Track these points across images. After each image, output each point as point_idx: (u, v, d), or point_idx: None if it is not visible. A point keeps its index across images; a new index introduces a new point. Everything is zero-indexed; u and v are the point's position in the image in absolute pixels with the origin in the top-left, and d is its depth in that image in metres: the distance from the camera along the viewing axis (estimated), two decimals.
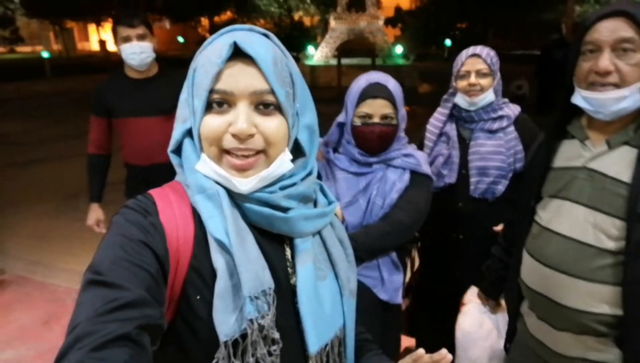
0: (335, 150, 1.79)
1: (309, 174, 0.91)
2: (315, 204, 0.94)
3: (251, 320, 0.75)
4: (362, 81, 1.67)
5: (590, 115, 1.31)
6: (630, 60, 1.18)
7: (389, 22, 33.89)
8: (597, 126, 1.32)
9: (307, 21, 36.03)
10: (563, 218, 1.35)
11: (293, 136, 0.87)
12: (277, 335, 0.78)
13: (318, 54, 25.87)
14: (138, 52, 2.45)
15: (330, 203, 0.97)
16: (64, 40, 33.40)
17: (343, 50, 23.94)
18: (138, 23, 2.45)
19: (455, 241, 2.12)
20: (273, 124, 0.81)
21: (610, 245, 1.24)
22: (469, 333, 1.84)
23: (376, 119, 1.64)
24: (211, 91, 0.79)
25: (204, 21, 35.53)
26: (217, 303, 0.75)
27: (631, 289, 1.21)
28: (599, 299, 1.26)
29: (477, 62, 2.02)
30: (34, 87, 16.79)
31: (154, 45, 2.52)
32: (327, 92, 11.50)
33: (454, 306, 1.98)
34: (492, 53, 2.06)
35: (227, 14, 34.46)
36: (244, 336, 0.75)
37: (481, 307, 1.88)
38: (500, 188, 2.04)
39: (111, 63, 26.09)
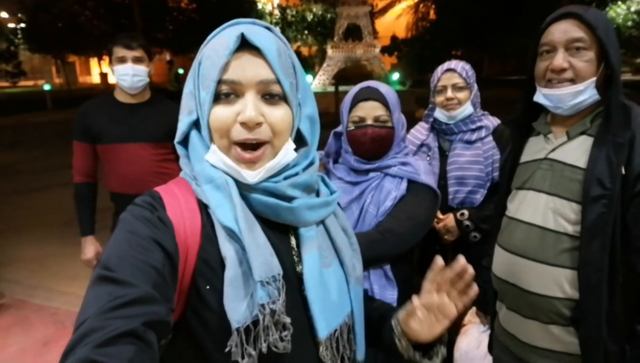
0: (336, 161, 1.78)
1: (311, 164, 0.93)
2: (317, 195, 0.96)
3: (263, 306, 0.76)
4: (355, 88, 1.68)
5: (551, 111, 1.40)
6: (583, 57, 1.29)
7: (385, 50, 34.54)
8: (558, 121, 1.42)
9: (304, 51, 36.66)
10: (527, 206, 1.42)
11: (296, 125, 0.89)
12: (288, 320, 0.78)
13: (316, 82, 26.25)
14: (131, 75, 2.33)
15: (332, 193, 0.98)
16: (66, 74, 33.87)
17: (340, 77, 24.31)
18: (136, 46, 2.35)
19: (433, 252, 2.08)
20: (279, 114, 0.84)
21: (569, 228, 1.31)
22: (466, 353, 1.82)
23: (369, 122, 1.61)
24: (219, 82, 0.81)
25: None
26: (228, 291, 0.76)
27: (584, 271, 1.27)
28: (561, 283, 1.31)
29: (452, 76, 2.07)
30: (35, 119, 16.98)
31: (149, 70, 2.41)
32: (325, 117, 11.46)
33: None
34: (467, 67, 2.11)
35: None
36: (255, 323, 0.76)
37: (480, 327, 1.86)
38: (479, 197, 2.06)
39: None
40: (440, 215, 2.06)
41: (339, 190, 1.66)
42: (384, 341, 1.00)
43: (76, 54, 32.99)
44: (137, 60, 2.36)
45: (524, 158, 1.49)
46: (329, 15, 36.50)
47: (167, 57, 40.35)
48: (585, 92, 1.30)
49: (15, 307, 3.73)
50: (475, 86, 2.12)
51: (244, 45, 0.82)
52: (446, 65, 2.11)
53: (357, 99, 1.63)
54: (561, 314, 1.32)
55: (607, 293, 1.24)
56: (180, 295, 0.78)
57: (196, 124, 0.87)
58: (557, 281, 1.32)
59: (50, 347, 3.17)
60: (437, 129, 2.18)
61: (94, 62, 37.75)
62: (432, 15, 34.22)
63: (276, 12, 37.89)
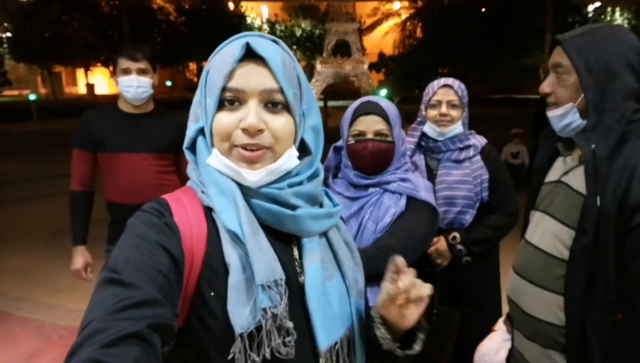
0: (335, 176, 1.77)
1: (315, 175, 0.94)
2: (321, 207, 0.96)
3: (265, 310, 0.76)
4: (356, 102, 1.69)
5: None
6: (562, 82, 1.31)
7: (372, 67, 34.87)
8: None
9: None
10: (536, 229, 1.42)
11: (300, 135, 0.90)
12: (290, 325, 0.78)
13: None
14: (135, 86, 2.32)
15: (335, 205, 0.98)
16: (52, 84, 33.57)
17: (329, 93, 24.49)
18: (141, 57, 2.35)
19: (423, 274, 2.03)
20: (281, 122, 0.85)
21: (566, 255, 1.29)
22: (483, 356, 1.79)
23: (370, 136, 1.60)
24: (223, 89, 0.83)
25: (192, 66, 36.16)
26: (232, 296, 0.77)
27: (567, 298, 1.26)
28: (556, 310, 1.30)
29: (448, 92, 2.05)
30: (20, 129, 16.76)
31: (153, 82, 2.41)
32: None
33: (436, 341, 1.86)
34: (463, 86, 2.10)
35: None
36: (259, 329, 0.76)
37: (506, 335, 1.83)
38: (468, 218, 2.03)
39: (98, 106, 26.27)
40: None
41: None
42: (369, 338, 0.97)
43: (62, 65, 32.74)
44: (141, 72, 2.35)
45: (548, 178, 1.47)
46: (317, 31, 36.85)
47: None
48: (566, 117, 1.31)
49: (0, 320, 3.65)
50: (467, 108, 2.12)
51: (250, 55, 0.84)
52: (443, 81, 2.09)
53: (358, 113, 1.63)
54: (557, 341, 1.31)
55: (593, 326, 1.22)
56: (185, 301, 0.78)
57: (203, 131, 0.89)
58: (553, 308, 1.30)
59: (36, 361, 3.10)
60: (425, 146, 2.14)
61: (80, 72, 37.47)
62: (418, 33, 34.82)
63: (265, 26, 38.12)
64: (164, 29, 32.52)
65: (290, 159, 0.87)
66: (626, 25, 29.28)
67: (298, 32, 37.43)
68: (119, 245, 0.75)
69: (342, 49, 32.37)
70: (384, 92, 23.69)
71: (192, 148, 0.91)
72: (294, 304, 0.83)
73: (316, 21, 37.65)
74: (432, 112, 2.07)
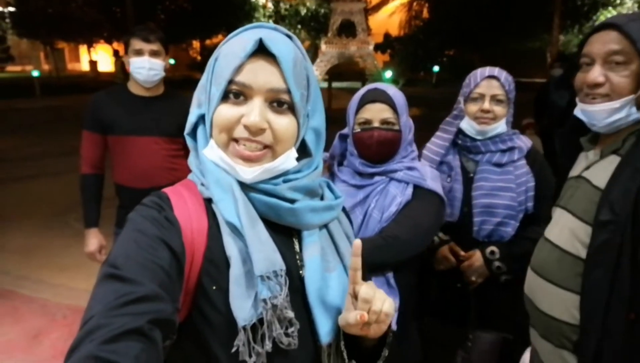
0: (341, 163, 1.74)
1: (314, 170, 0.93)
2: (322, 199, 0.95)
3: (264, 301, 0.76)
4: (363, 89, 1.66)
5: (589, 127, 1.33)
6: (621, 72, 1.20)
7: (378, 47, 34.54)
8: (601, 138, 1.35)
9: None
10: (555, 225, 1.38)
11: (301, 136, 0.89)
12: (292, 315, 0.78)
13: None
14: (147, 68, 2.31)
15: (336, 198, 0.98)
16: (55, 61, 33.32)
17: (333, 74, 24.31)
18: (154, 39, 2.32)
19: (454, 290, 1.84)
20: (284, 123, 0.84)
21: (583, 252, 1.24)
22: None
23: (376, 124, 1.57)
24: (230, 82, 0.82)
25: (195, 44, 35.84)
26: (233, 289, 0.77)
27: (584, 298, 1.22)
28: (570, 308, 1.27)
29: (493, 85, 1.78)
30: (23, 105, 16.71)
31: (165, 64, 2.39)
32: None
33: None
34: (510, 78, 1.81)
35: (219, 37, 34.82)
36: (261, 321, 0.76)
37: None
38: (509, 230, 1.77)
39: (100, 83, 26.11)
40: (462, 251, 1.80)
41: (343, 193, 1.64)
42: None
43: (66, 41, 32.48)
44: (154, 53, 2.33)
45: (571, 173, 1.41)
46: (322, 10, 36.38)
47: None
48: (621, 110, 1.21)
49: (4, 298, 3.68)
50: (512, 105, 1.84)
51: (262, 50, 0.82)
52: (488, 71, 1.81)
53: (364, 101, 1.60)
54: (570, 339, 1.27)
55: (610, 325, 1.17)
56: (187, 296, 0.79)
57: (204, 118, 0.88)
58: (567, 306, 1.27)
59: (41, 339, 3.13)
60: (461, 145, 1.88)
61: (83, 49, 37.21)
62: (425, 14, 34.34)
63: (270, 5, 37.66)
64: (167, 6, 32.11)
65: (288, 159, 0.87)
66: (637, 9, 28.82)
67: (303, 11, 36.97)
68: (120, 240, 0.75)
69: (347, 29, 32.06)
70: (389, 73, 23.55)
71: (193, 134, 0.91)
72: (295, 297, 0.83)
73: (321, 0, 37.15)
74: (473, 107, 1.81)
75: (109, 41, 31.59)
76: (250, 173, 0.83)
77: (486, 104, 1.77)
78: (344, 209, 1.04)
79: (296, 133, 0.88)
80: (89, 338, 0.60)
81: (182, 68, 34.76)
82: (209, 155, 0.85)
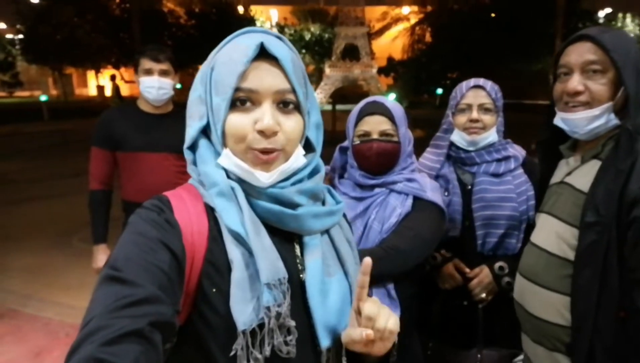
0: (341, 176, 1.75)
1: (316, 171, 0.94)
2: (323, 204, 0.96)
3: (268, 308, 0.76)
4: (362, 102, 1.68)
5: (570, 135, 1.37)
6: (598, 80, 1.25)
7: (381, 71, 34.87)
8: (580, 144, 1.39)
9: None
10: (540, 230, 1.41)
11: (306, 133, 0.91)
12: (292, 324, 0.79)
13: None
14: (156, 87, 2.35)
15: (337, 203, 0.98)
16: (63, 86, 33.87)
17: (337, 96, 24.49)
18: (164, 58, 2.37)
19: (460, 308, 1.78)
20: (292, 123, 0.86)
21: (570, 254, 1.27)
22: None
23: (375, 136, 1.58)
24: (236, 90, 0.82)
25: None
26: (235, 293, 0.76)
27: (574, 299, 1.24)
28: (562, 310, 1.28)
29: (480, 94, 1.78)
30: (31, 129, 16.92)
31: (174, 83, 2.43)
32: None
33: None
34: (497, 87, 1.81)
35: None
36: (261, 326, 0.76)
37: None
38: (514, 241, 1.73)
39: (107, 107, 26.42)
40: (467, 269, 1.75)
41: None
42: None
43: (74, 66, 33.02)
44: (163, 73, 2.38)
45: (552, 180, 1.46)
46: (326, 35, 36.89)
47: None
48: (601, 117, 1.26)
49: (8, 317, 3.69)
50: (502, 113, 1.83)
51: (261, 54, 0.83)
52: (473, 81, 1.80)
53: (363, 114, 1.62)
54: (563, 341, 1.29)
55: (600, 324, 1.19)
56: (187, 298, 0.78)
57: (205, 130, 0.88)
58: (558, 308, 1.29)
59: (43, 358, 3.12)
60: (455, 157, 1.85)
61: (91, 74, 37.76)
62: (427, 38, 34.76)
63: (274, 30, 38.20)
64: (174, 32, 32.66)
65: (298, 158, 0.88)
66: (638, 32, 29.07)
67: (307, 36, 37.50)
68: (120, 242, 0.75)
69: (351, 53, 32.43)
70: (392, 96, 23.72)
71: (192, 147, 0.90)
72: (295, 302, 0.83)
73: (325, 25, 37.71)
74: (461, 118, 1.80)
75: (116, 66, 32.05)
76: (267, 177, 0.84)
77: (474, 114, 1.77)
78: (343, 215, 1.04)
79: (303, 131, 0.89)
80: (89, 340, 0.60)
81: (188, 92, 35.19)
82: (225, 163, 0.85)
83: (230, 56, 0.84)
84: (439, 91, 28.54)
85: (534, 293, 1.36)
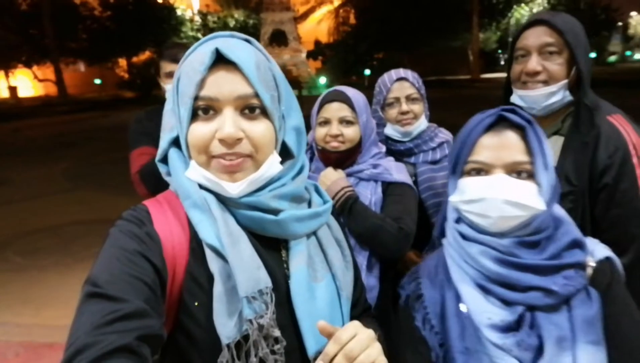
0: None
1: (299, 173, 0.91)
2: (310, 205, 0.93)
3: (250, 321, 0.75)
4: (325, 92, 1.69)
5: (526, 111, 1.51)
6: (555, 60, 1.39)
7: (309, 55, 34.96)
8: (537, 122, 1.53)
9: None
10: None
11: (280, 139, 0.87)
12: (278, 333, 0.77)
13: None
14: None
15: (325, 202, 0.96)
16: None
17: None
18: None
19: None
20: (259, 129, 0.82)
21: None
22: None
23: (334, 123, 1.59)
24: (196, 98, 0.80)
25: (122, 62, 34.74)
26: (217, 307, 0.75)
27: None
28: None
29: (404, 86, 1.83)
30: None
31: None
32: None
33: None
34: (417, 75, 1.87)
35: (146, 54, 33.92)
36: (246, 337, 0.75)
37: None
38: None
39: (22, 110, 24.67)
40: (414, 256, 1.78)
41: None
42: None
43: None
44: None
45: None
46: (251, 21, 36.40)
47: (82, 67, 38.39)
48: (557, 94, 1.39)
49: None
50: (425, 100, 1.90)
51: (220, 60, 0.80)
52: (394, 74, 1.85)
53: (324, 101, 1.64)
54: None
55: None
56: (169, 311, 0.77)
57: (176, 142, 0.87)
58: None
59: None
60: (394, 150, 1.86)
61: (0, 75, 35.03)
62: (352, 19, 35.20)
63: (197, 18, 37.18)
64: (89, 25, 31.03)
65: (272, 166, 0.84)
66: (546, 5, 30.89)
67: (231, 23, 36.79)
68: (100, 257, 0.74)
69: (279, 39, 32.30)
70: (323, 79, 23.90)
71: (165, 159, 0.89)
72: (282, 308, 0.81)
73: (249, 11, 37.16)
74: (392, 112, 1.84)
75: (28, 65, 30.02)
76: (236, 188, 0.80)
77: (404, 106, 1.81)
78: (333, 213, 1.00)
79: (274, 137, 0.85)
80: (77, 358, 0.60)
81: (109, 88, 33.61)
82: (192, 176, 0.82)
83: (191, 65, 0.81)
84: (367, 72, 29.03)
85: None
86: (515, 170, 0.91)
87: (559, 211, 0.98)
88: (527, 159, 0.91)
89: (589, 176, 1.33)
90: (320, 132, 1.63)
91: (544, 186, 0.92)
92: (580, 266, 0.92)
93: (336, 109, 1.60)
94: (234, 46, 0.82)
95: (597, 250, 0.97)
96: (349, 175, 1.64)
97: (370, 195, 1.60)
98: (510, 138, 0.93)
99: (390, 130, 1.87)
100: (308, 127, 1.68)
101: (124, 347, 0.62)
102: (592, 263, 0.94)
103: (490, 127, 0.94)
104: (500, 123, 0.94)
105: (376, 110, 1.89)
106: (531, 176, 0.92)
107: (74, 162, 10.64)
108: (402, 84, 1.83)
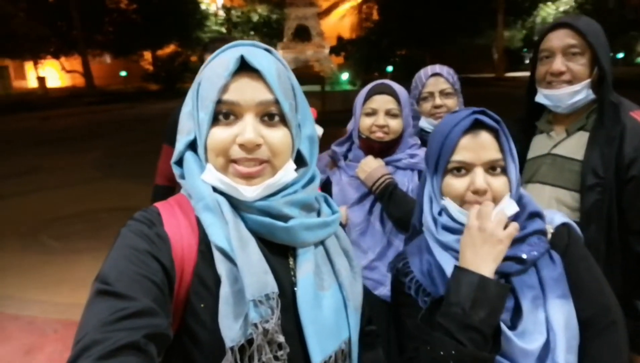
0: (346, 157, 1.83)
1: (310, 182, 0.93)
2: (319, 214, 0.95)
3: (255, 325, 0.75)
4: (370, 84, 1.77)
5: (552, 110, 1.59)
6: (578, 61, 1.48)
7: (332, 50, 34.95)
8: (559, 119, 1.61)
9: None
10: (538, 198, 1.57)
11: (296, 146, 0.90)
12: (282, 339, 0.78)
13: None
14: None
15: (334, 213, 0.97)
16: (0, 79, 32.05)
17: None
18: None
19: None
20: (278, 135, 0.85)
21: (571, 215, 1.49)
22: None
23: (381, 114, 1.67)
24: (218, 103, 0.82)
25: (147, 55, 35.24)
26: (222, 309, 0.76)
27: None
28: None
29: (439, 81, 1.93)
30: None
31: None
32: None
33: None
34: (452, 71, 1.97)
35: (170, 47, 34.36)
36: (250, 341, 0.75)
37: None
38: None
39: (51, 100, 25.25)
40: None
41: (352, 181, 1.72)
42: None
43: (10, 58, 31.27)
44: None
45: (530, 154, 1.66)
46: (274, 16, 36.55)
47: (107, 59, 38.99)
48: (581, 92, 1.48)
49: None
50: (461, 95, 1.99)
51: (244, 67, 0.83)
52: (430, 69, 1.96)
53: (372, 92, 1.71)
54: None
55: (605, 272, 1.35)
56: (176, 312, 0.78)
57: (191, 145, 0.89)
58: None
59: (34, 355, 3.14)
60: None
61: (29, 65, 35.82)
62: (375, 15, 35.03)
63: (221, 12, 37.48)
64: (115, 18, 31.50)
65: (288, 173, 0.87)
66: (573, 4, 30.34)
67: (255, 18, 36.99)
68: (110, 256, 0.75)
69: (302, 34, 32.38)
70: (345, 75, 23.90)
71: (181, 160, 0.90)
72: (288, 315, 0.82)
73: (272, 6, 37.29)
74: (426, 106, 1.96)
75: (56, 56, 30.65)
76: (252, 191, 0.83)
77: (437, 100, 1.92)
78: (340, 225, 1.02)
79: (291, 145, 0.88)
80: (85, 354, 0.61)
81: (134, 80, 34.04)
82: (208, 179, 0.84)
83: (214, 70, 0.84)
84: (389, 68, 28.93)
85: None
86: (491, 166, 1.03)
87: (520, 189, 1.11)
88: (500, 156, 1.03)
89: (615, 168, 1.42)
90: (367, 122, 1.71)
91: (512, 177, 1.05)
92: (542, 232, 1.06)
93: (384, 101, 1.69)
94: (257, 54, 0.85)
95: (556, 218, 1.11)
96: (387, 164, 1.73)
97: (407, 183, 1.70)
98: (486, 138, 1.04)
99: (424, 123, 1.98)
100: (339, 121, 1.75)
101: (131, 345, 0.64)
102: (551, 229, 1.08)
103: (467, 130, 1.05)
104: (475, 125, 1.05)
105: (412, 103, 1.97)
106: (504, 170, 1.04)
107: (104, 151, 10.95)
108: (436, 80, 1.94)
